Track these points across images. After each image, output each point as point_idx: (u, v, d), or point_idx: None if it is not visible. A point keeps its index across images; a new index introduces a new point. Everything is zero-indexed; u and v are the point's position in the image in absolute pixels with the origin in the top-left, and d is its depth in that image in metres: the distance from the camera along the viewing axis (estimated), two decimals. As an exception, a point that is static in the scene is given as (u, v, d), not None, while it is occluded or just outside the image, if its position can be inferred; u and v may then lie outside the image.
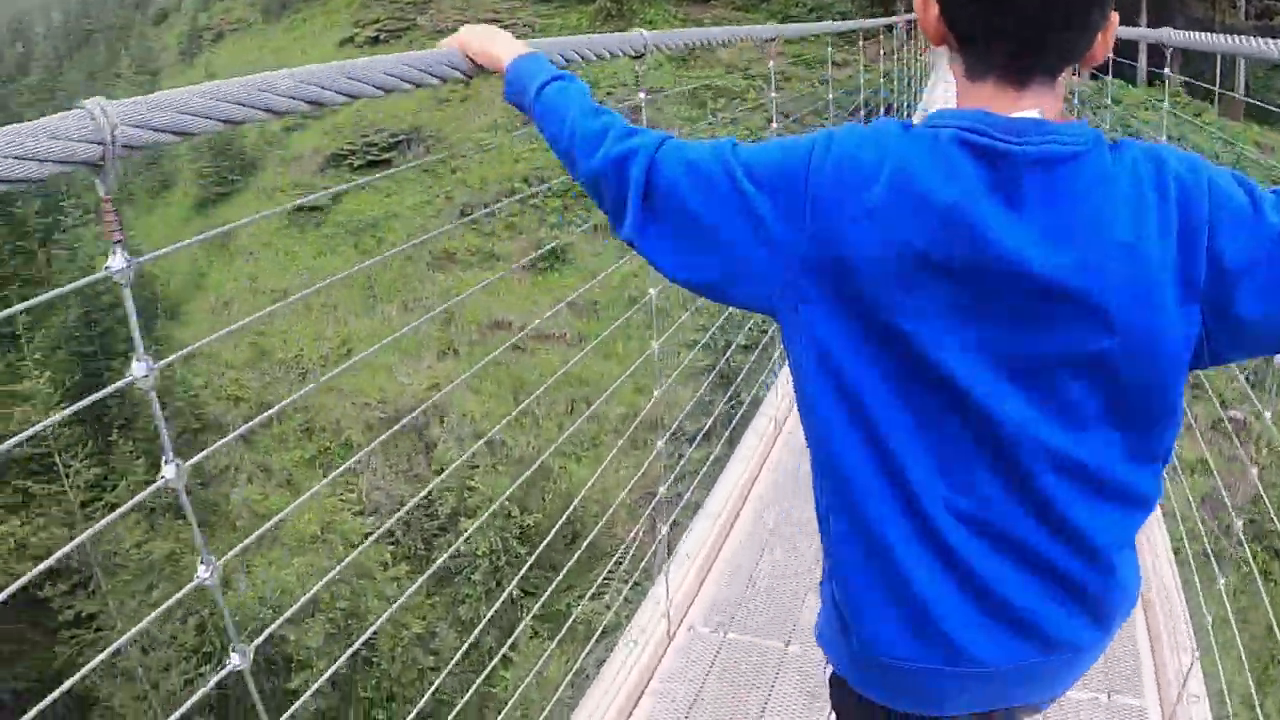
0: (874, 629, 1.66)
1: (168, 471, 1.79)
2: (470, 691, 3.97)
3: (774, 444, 5.96)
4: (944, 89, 20.89)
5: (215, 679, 1.94)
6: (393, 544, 23.73)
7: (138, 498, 1.90)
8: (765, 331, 17.03)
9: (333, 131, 38.85)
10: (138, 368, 1.70)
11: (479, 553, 22.05)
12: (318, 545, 21.66)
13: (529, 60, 2.09)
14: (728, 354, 10.03)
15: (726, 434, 6.04)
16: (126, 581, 20.81)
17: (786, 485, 5.53)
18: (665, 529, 4.34)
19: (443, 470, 25.63)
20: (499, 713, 18.37)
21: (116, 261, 1.62)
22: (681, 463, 7.19)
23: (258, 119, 1.83)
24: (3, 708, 20.81)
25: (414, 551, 23.87)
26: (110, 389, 1.81)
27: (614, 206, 1.75)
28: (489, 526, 22.04)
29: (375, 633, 18.82)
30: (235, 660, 1.91)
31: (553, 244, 30.55)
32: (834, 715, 2.03)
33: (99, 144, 1.49)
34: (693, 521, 5.10)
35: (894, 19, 16.10)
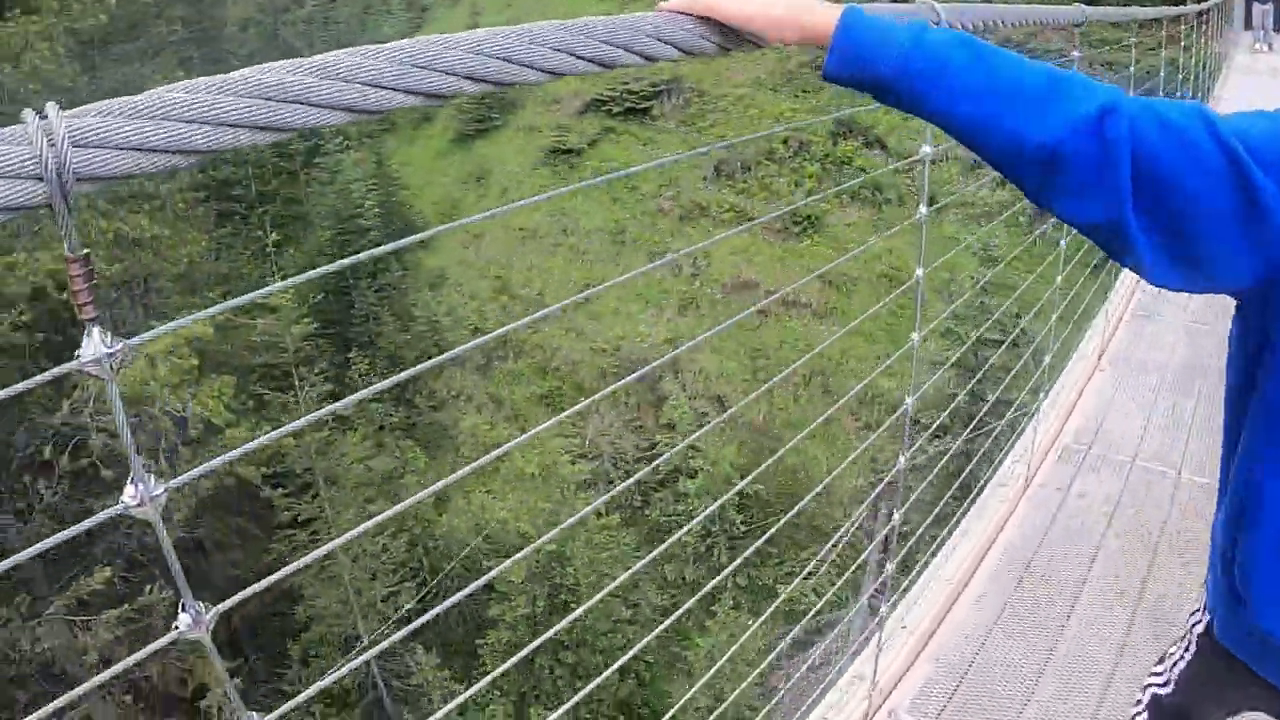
0: (1270, 607, 1.67)
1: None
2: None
3: (1021, 498, 5.12)
4: (1237, 80, 19.18)
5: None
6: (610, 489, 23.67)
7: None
8: (1021, 330, 16.04)
9: (594, 77, 38.64)
10: (129, 492, 1.26)
11: (695, 514, 21.74)
12: (535, 484, 21.69)
13: (865, 15, 1.51)
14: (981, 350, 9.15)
15: (974, 487, 5.23)
16: (346, 492, 21.39)
17: (1028, 550, 4.71)
18: (890, 587, 3.67)
19: (671, 425, 25.66)
20: (688, 675, 18.28)
21: (91, 346, 1.13)
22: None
23: (321, 123, 1.21)
24: (236, 587, 21.81)
25: (629, 502, 23.78)
26: (100, 517, 1.32)
27: (1083, 182, 1.36)
28: (709, 491, 21.67)
29: (576, 578, 18.97)
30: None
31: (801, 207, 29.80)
32: (1187, 659, 2.13)
33: (38, 179, 1.01)
34: (916, 586, 4.35)
35: (1187, 8, 14.66)
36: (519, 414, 29.09)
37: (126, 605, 16.76)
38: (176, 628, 1.41)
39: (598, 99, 37.65)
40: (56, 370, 1.18)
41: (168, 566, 1.40)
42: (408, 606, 21.43)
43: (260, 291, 1.38)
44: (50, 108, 1.02)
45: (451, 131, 40.51)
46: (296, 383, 21.18)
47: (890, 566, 3.57)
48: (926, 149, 2.92)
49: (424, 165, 38.69)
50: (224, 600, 1.48)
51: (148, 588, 17.27)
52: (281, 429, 1.56)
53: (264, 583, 1.56)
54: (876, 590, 3.66)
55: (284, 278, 21.56)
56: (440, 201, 36.84)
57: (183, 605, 1.40)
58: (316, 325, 23.30)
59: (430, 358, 30.56)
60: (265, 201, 32.98)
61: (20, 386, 1.17)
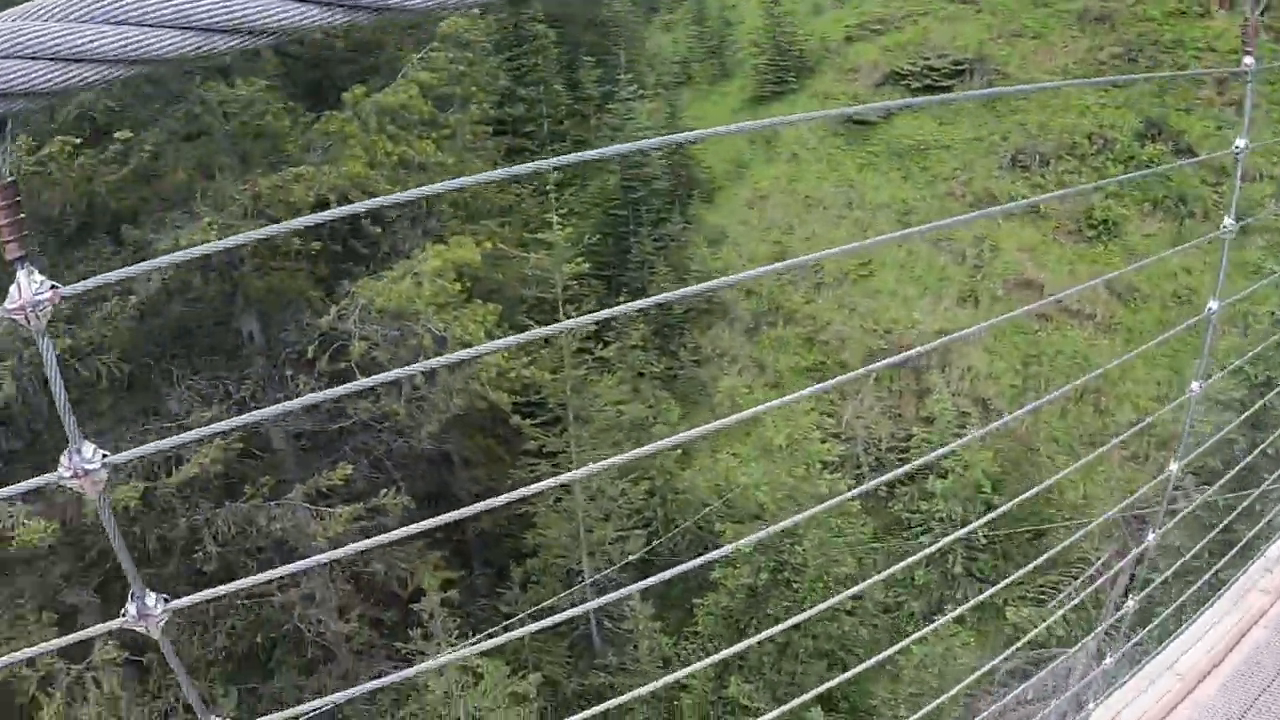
0: None
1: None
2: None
3: (1284, 591, 4.29)
4: None
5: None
6: (856, 478, 23.11)
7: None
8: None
9: (895, 49, 37.64)
10: (64, 462, 1.11)
11: (938, 515, 20.96)
12: (781, 457, 21.37)
13: None
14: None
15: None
16: (594, 434, 21.67)
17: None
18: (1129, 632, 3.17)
19: (930, 420, 24.86)
20: (894, 680, 17.70)
21: (18, 291, 0.95)
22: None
23: (304, 24, 0.91)
24: (459, 503, 22.70)
25: (874, 491, 23.19)
26: (30, 484, 1.20)
27: None
28: (956, 494, 20.85)
29: (804, 558, 18.61)
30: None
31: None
32: None
33: None
34: (1139, 676, 3.77)
35: None
36: (780, 382, 28.83)
37: (360, 503, 17.46)
38: (125, 614, 1.27)
39: (897, 72, 36.60)
40: (-20, 319, 0.96)
41: (125, 548, 1.22)
42: (634, 555, 21.60)
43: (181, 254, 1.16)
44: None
45: (748, 91, 40.17)
46: (562, 318, 21.42)
47: (1110, 660, 3.08)
48: (1240, 143, 2.36)
49: (717, 121, 38.53)
50: (184, 596, 1.29)
51: (383, 490, 17.92)
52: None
53: (231, 586, 1.38)
54: (1097, 663, 3.18)
55: (562, 217, 21.82)
56: (728, 161, 36.67)
57: (132, 595, 1.26)
58: (589, 266, 23.53)
59: (699, 314, 30.61)
60: (556, 140, 33.47)
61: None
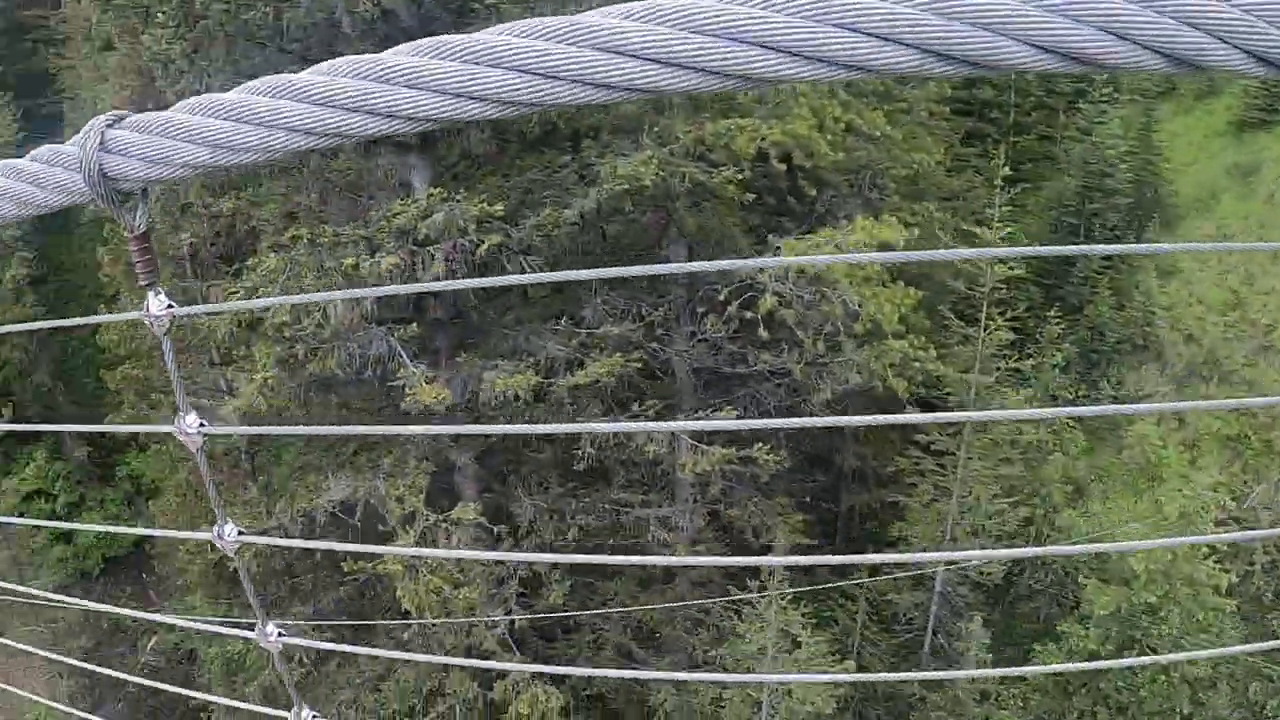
0: None
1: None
2: None
3: None
4: None
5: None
6: (1244, 574, 20.90)
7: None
8: None
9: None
10: (176, 424, 1.58)
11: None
12: (1166, 525, 19.88)
13: None
14: None
15: None
16: (985, 445, 21.55)
17: None
18: None
19: (1339, 528, 22.42)
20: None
21: (149, 307, 1.43)
22: None
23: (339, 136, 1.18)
24: (838, 473, 22.80)
25: (1256, 594, 20.93)
26: (147, 428, 2.18)
27: None
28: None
29: (1155, 643, 17.30)
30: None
31: None
32: None
33: (77, 170, 1.23)
34: None
35: None
36: (1196, 444, 26.83)
37: (735, 448, 18.00)
38: (216, 534, 1.76)
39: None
40: (120, 316, 1.46)
41: (215, 489, 1.75)
42: (986, 574, 21.10)
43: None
44: (96, 119, 1.20)
45: (1233, 112, 36.72)
46: (983, 319, 21.03)
47: None
48: None
49: (1195, 141, 35.88)
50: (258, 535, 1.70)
51: (758, 444, 18.31)
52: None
53: (308, 543, 2.07)
54: None
55: (1008, 215, 21.25)
56: (1200, 187, 34.07)
57: (216, 524, 1.75)
58: (1025, 270, 22.87)
59: (1132, 349, 28.93)
60: (1020, 132, 32.32)
61: (86, 320, 1.97)
